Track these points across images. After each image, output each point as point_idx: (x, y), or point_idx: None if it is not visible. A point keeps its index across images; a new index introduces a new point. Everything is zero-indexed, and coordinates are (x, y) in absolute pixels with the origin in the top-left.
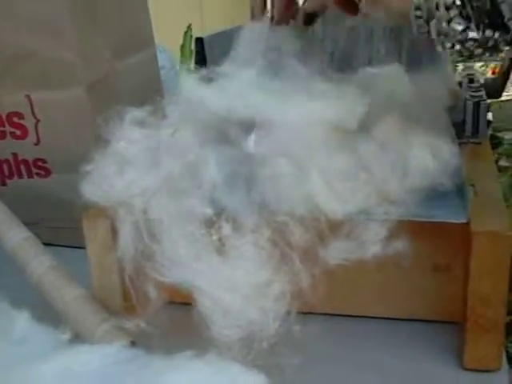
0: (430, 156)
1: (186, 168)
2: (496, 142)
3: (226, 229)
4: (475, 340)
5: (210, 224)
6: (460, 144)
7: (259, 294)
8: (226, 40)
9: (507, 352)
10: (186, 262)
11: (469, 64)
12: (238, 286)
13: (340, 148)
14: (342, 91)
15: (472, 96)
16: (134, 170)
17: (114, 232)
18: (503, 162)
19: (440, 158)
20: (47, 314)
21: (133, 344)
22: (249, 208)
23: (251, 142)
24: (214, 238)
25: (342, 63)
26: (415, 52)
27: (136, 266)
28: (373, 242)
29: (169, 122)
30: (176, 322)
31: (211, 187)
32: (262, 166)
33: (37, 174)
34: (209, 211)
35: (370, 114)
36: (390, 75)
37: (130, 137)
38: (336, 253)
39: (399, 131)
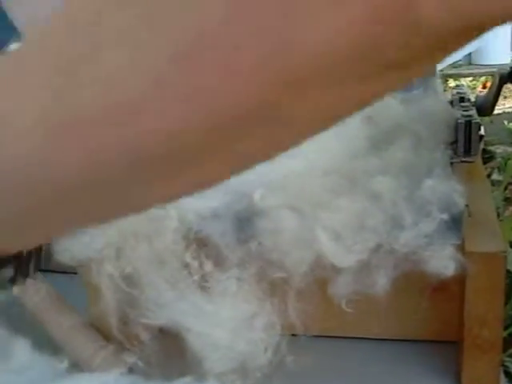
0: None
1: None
2: (488, 157)
3: (208, 265)
4: (472, 360)
5: (188, 264)
6: (452, 163)
7: (246, 326)
8: None
9: (505, 367)
10: (170, 303)
11: (460, 79)
12: (223, 321)
13: (349, 188)
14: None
15: (463, 115)
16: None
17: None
18: (496, 176)
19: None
20: (47, 341)
21: (131, 371)
22: (234, 241)
23: (257, 196)
24: (195, 278)
25: None
26: None
27: (122, 314)
28: (381, 275)
29: None
30: (174, 348)
31: (190, 222)
32: (263, 217)
33: None
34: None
35: (373, 140)
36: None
37: None
38: (343, 288)
39: (406, 156)
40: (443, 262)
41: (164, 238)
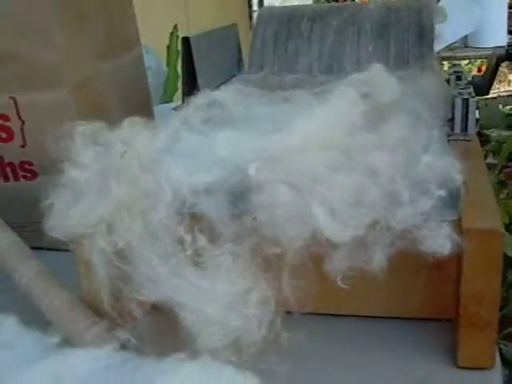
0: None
1: (149, 183)
2: (483, 140)
3: (202, 240)
4: (468, 338)
5: (182, 239)
6: (449, 141)
7: (240, 302)
8: (214, 40)
9: (500, 350)
10: (163, 278)
11: (455, 62)
12: (217, 296)
13: (346, 164)
14: (334, 101)
15: (460, 93)
16: (88, 199)
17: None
18: (490, 160)
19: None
20: (35, 318)
21: (123, 347)
22: (228, 216)
23: (252, 170)
24: (188, 253)
25: (330, 63)
26: (402, 49)
27: (114, 290)
28: (377, 251)
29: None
30: (167, 324)
31: (184, 196)
32: (258, 192)
33: (23, 176)
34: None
35: (370, 116)
36: (376, 79)
37: (81, 160)
38: (339, 263)
39: (403, 132)
40: (440, 240)
41: (157, 212)
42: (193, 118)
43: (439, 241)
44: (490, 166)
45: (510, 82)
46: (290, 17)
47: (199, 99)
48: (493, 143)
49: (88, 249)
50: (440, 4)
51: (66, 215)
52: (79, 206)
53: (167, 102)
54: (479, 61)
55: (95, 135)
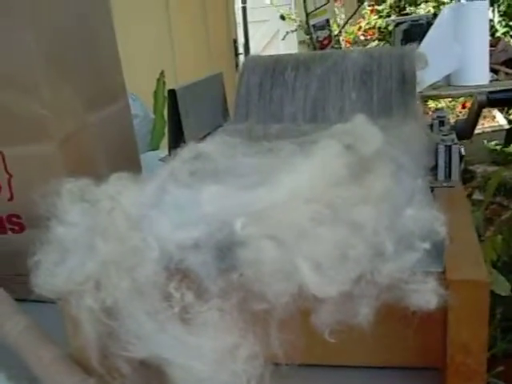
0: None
1: (135, 240)
2: (469, 177)
3: (189, 296)
4: None
5: (170, 295)
6: (433, 190)
7: (229, 357)
8: (199, 91)
9: None
10: (151, 335)
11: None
12: (205, 352)
13: (330, 217)
14: (318, 153)
15: (443, 140)
16: (75, 256)
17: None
18: (477, 196)
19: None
20: (24, 374)
21: None
22: (215, 272)
23: (238, 225)
24: (176, 309)
25: (315, 112)
26: (385, 96)
27: (102, 347)
28: (363, 305)
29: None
30: (156, 381)
31: (171, 252)
32: (244, 247)
33: (11, 229)
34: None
35: (353, 168)
36: (359, 130)
37: (68, 217)
38: (326, 317)
39: (386, 184)
40: (426, 296)
41: (145, 269)
42: (179, 171)
43: (425, 296)
44: (475, 203)
45: (494, 117)
46: (274, 66)
47: (185, 152)
48: (478, 179)
49: (75, 306)
50: (421, 47)
51: (52, 273)
52: (66, 264)
53: (154, 149)
54: (463, 98)
55: (82, 191)
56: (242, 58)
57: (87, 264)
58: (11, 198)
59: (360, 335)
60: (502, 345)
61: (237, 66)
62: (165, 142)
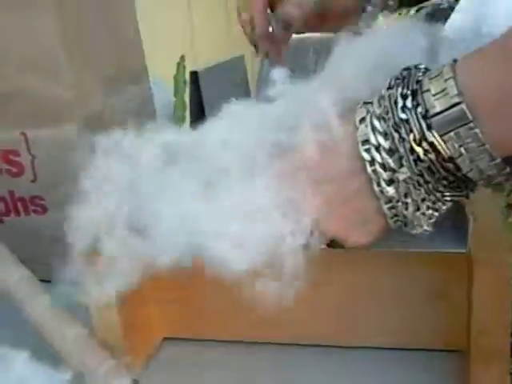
0: None
1: None
2: None
3: None
4: (479, 369)
5: None
6: None
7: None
8: (221, 73)
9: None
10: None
11: None
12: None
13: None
14: None
15: None
16: (94, 199)
17: None
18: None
19: None
20: (47, 353)
21: (136, 382)
22: None
23: None
24: None
25: None
26: None
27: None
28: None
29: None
30: (178, 358)
31: None
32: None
33: (34, 211)
34: None
35: None
36: None
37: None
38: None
39: None
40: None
41: None
42: None
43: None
44: (497, 189)
45: None
46: (296, 47)
47: None
48: None
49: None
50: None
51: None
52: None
53: None
54: None
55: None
56: None
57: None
58: (34, 180)
59: (386, 318)
60: None
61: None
62: (185, 126)
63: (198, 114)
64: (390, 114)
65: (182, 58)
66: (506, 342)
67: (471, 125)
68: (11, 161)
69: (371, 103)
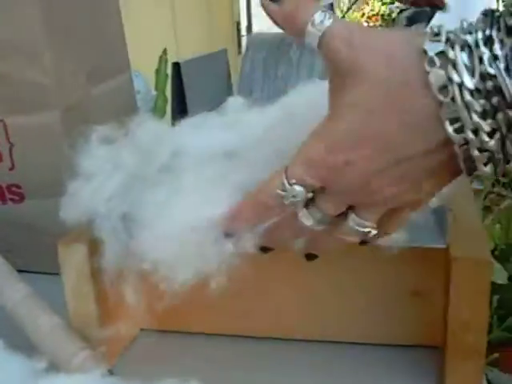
0: None
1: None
2: None
3: None
4: (456, 366)
5: None
6: None
7: None
8: (203, 65)
9: (486, 375)
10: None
11: None
12: None
13: None
14: None
15: None
16: (98, 179)
17: (90, 258)
18: (475, 185)
19: None
20: (22, 342)
21: (110, 372)
22: None
23: None
24: None
25: None
26: None
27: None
28: None
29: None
30: (154, 349)
31: None
32: None
33: (11, 199)
34: None
35: None
36: None
37: (95, 153)
38: None
39: None
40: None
41: None
42: None
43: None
44: (474, 192)
45: None
46: (279, 43)
47: None
48: None
49: (98, 227)
50: None
51: (78, 197)
52: (91, 184)
53: None
54: None
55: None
56: (244, 40)
57: (111, 181)
58: (12, 168)
59: (361, 313)
60: (498, 332)
61: (239, 47)
62: (166, 120)
63: (180, 105)
64: None
65: (165, 51)
66: (482, 338)
67: None
68: None
69: None
